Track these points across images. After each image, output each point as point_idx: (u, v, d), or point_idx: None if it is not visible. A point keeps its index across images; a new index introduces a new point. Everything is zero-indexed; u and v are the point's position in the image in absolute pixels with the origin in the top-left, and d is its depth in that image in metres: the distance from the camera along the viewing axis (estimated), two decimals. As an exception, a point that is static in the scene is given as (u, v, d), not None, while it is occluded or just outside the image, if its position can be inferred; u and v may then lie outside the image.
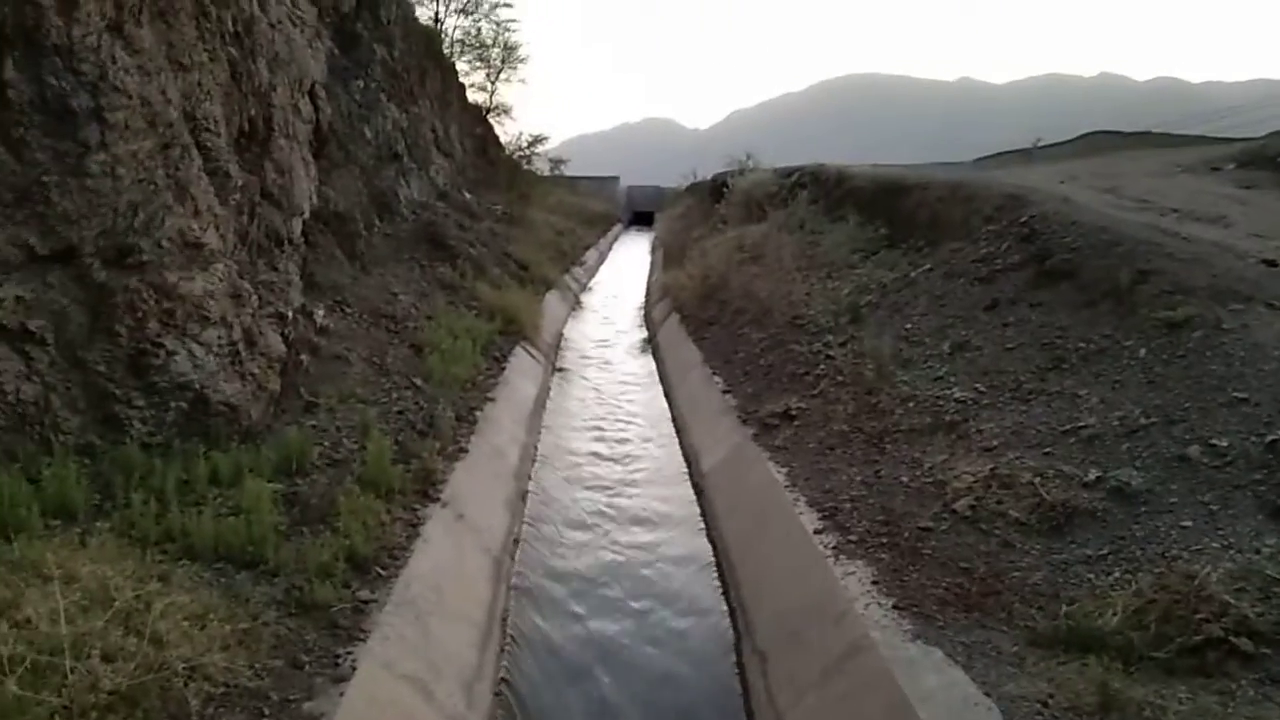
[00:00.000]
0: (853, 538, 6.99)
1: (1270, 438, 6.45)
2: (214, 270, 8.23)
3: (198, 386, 7.62)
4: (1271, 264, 9.90)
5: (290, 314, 9.95)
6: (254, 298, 8.99)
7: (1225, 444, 6.61)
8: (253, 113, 11.09)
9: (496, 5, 33.30)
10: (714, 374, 13.17)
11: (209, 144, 9.35)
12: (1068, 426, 7.66)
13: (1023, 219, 12.11)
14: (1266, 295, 8.66)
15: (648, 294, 25.60)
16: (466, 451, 9.16)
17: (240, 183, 10.02)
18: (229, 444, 7.57)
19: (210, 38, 10.24)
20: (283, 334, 9.55)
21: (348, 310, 11.67)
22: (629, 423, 13.41)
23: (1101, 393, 7.99)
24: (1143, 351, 8.25)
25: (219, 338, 8.00)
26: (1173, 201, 16.09)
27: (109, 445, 6.93)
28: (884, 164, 31.57)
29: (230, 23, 10.88)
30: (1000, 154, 41.60)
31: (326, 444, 8.17)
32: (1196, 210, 14.90)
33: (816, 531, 7.26)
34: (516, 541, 8.55)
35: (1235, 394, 7.11)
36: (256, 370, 8.49)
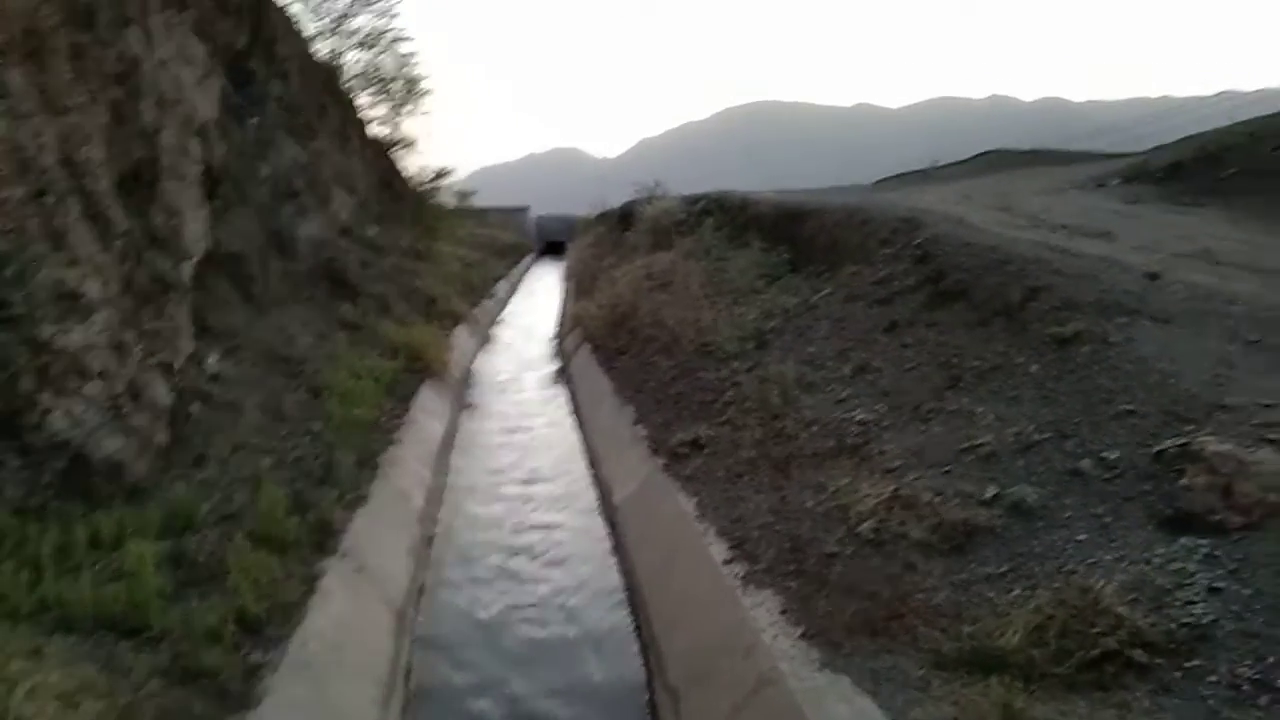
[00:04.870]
0: (761, 567, 6.99)
1: (1157, 448, 6.65)
2: (94, 321, 7.86)
3: (77, 445, 7.24)
4: (1154, 277, 10.30)
5: (179, 362, 9.58)
6: (139, 348, 8.62)
7: (1115, 456, 6.80)
8: (138, 155, 10.72)
9: (396, 40, 32.93)
10: (625, 404, 13.13)
11: (89, 189, 8.98)
12: (965, 445, 7.81)
13: (917, 241, 12.43)
14: (1150, 308, 9.01)
15: (560, 324, 25.49)
16: (367, 498, 8.89)
17: (124, 228, 9.63)
18: (112, 503, 7.19)
19: (90, 79, 9.86)
20: (171, 384, 9.18)
21: (242, 355, 11.28)
22: (541, 456, 13.26)
23: (997, 410, 8.17)
24: (1035, 367, 8.49)
25: (100, 392, 7.63)
26: (1062, 218, 16.70)
27: (-23, 512, 6.52)
28: (787, 189, 32.12)
29: (112, 62, 10.52)
30: (900, 175, 42.70)
31: (217, 498, 7.83)
32: (1084, 226, 15.48)
33: (725, 562, 7.24)
34: (422, 590, 8.32)
35: (1123, 406, 7.33)
36: (142, 424, 8.12)
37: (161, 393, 8.69)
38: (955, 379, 9.08)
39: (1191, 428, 6.68)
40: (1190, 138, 25.43)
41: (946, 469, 7.61)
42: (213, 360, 10.41)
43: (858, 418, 9.19)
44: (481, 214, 49.66)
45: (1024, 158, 37.96)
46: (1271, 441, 6.21)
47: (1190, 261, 11.98)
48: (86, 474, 7.27)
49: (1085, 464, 6.87)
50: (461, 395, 16.43)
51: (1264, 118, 23.14)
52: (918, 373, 9.63)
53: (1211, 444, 6.17)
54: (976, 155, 41.66)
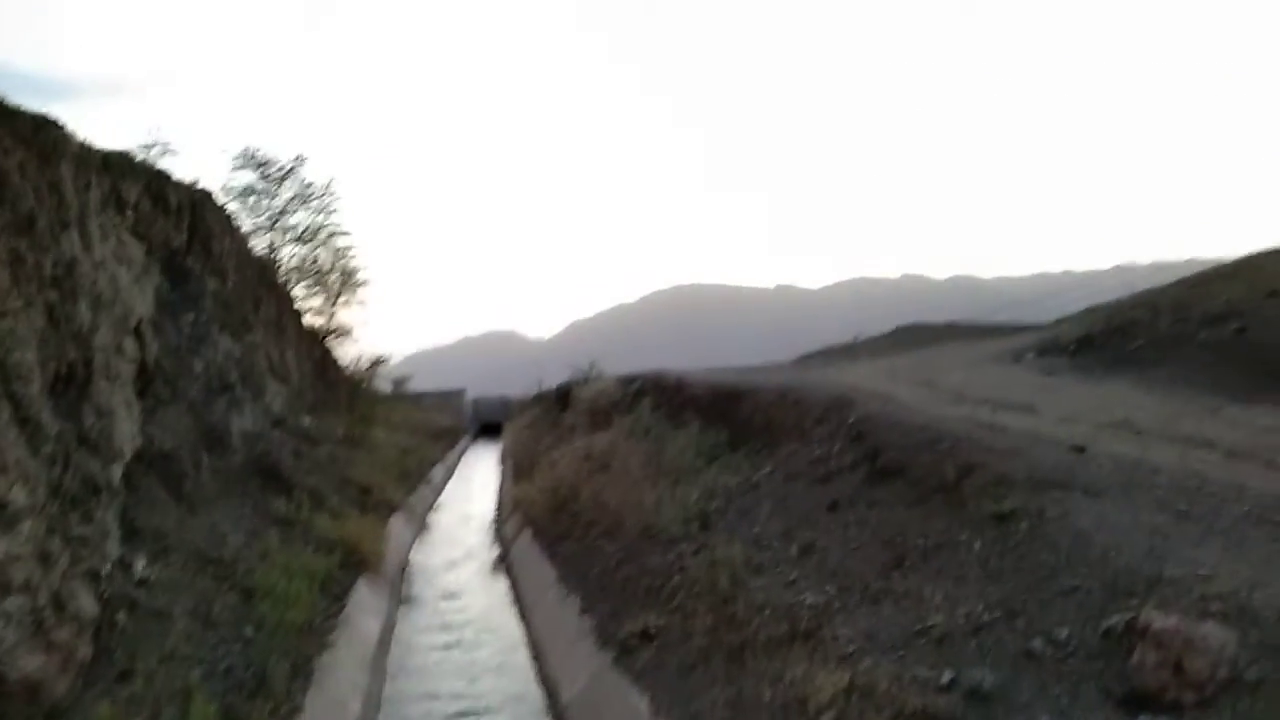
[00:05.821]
0: (722, 768, 6.74)
1: (1105, 625, 6.72)
2: (20, 531, 7.55)
3: (-7, 665, 6.81)
4: (1081, 450, 10.69)
5: (106, 569, 9.18)
6: (65, 555, 8.27)
7: (1065, 635, 6.84)
8: (72, 356, 10.63)
9: (333, 234, 33.76)
10: (570, 593, 12.85)
11: (19, 393, 8.82)
12: (917, 627, 7.79)
13: (851, 419, 12.77)
14: (1081, 482, 9.30)
15: (498, 509, 25.12)
16: (302, 710, 8.44)
17: (54, 431, 9.43)
18: (28, 729, 6.71)
19: (27, 283, 9.88)
20: (97, 592, 8.76)
21: (172, 557, 10.85)
22: (483, 652, 12.78)
23: (945, 589, 8.21)
24: (977, 545, 8.61)
25: (21, 606, 7.24)
26: (984, 392, 17.36)
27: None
28: (717, 366, 32.92)
29: (50, 266, 10.56)
30: (824, 351, 44.08)
31: (144, 716, 7.36)
32: (1007, 400, 16.09)
33: (685, 764, 6.97)
34: (363, 809, 7.81)
35: (1067, 582, 7.43)
36: (65, 637, 7.69)
37: (87, 603, 8.28)
38: (900, 558, 9.14)
39: (1135, 602, 6.79)
40: (1093, 309, 27.02)
41: (901, 653, 7.54)
42: (141, 565, 10.00)
43: (808, 601, 9.11)
44: (417, 398, 49.69)
45: (939, 332, 39.68)
46: (1214, 614, 6.34)
47: (1112, 432, 12.50)
48: (1, 698, 6.80)
49: (1037, 644, 6.89)
50: (398, 589, 15.92)
51: (1159, 290, 24.77)
52: (863, 552, 9.68)
53: (1157, 619, 6.26)
54: (895, 330, 43.43)
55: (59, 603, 7.81)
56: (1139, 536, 7.90)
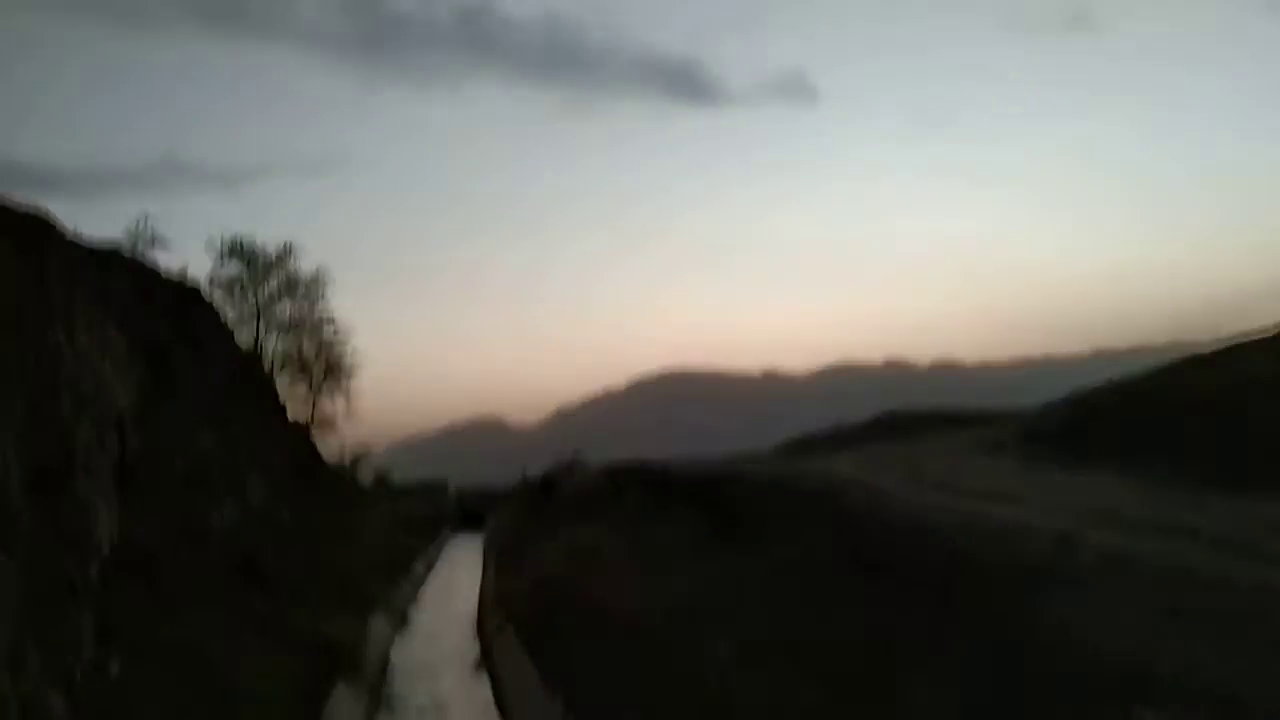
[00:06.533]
0: None
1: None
2: (-10, 635, 7.38)
3: (-45, 781, 6.58)
4: (1065, 540, 10.68)
5: (79, 672, 8.94)
6: (37, 660, 8.06)
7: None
8: (53, 450, 10.52)
9: (319, 323, 33.80)
10: (554, 695, 12.55)
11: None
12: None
13: (837, 512, 12.74)
14: (1065, 574, 9.29)
15: (480, 604, 24.67)
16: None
17: (31, 529, 9.28)
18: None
19: (8, 378, 9.84)
20: (69, 696, 8.51)
21: (148, 658, 10.59)
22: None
23: (932, 686, 8.11)
24: (964, 640, 8.55)
25: (-12, 714, 7.04)
26: (969, 482, 17.37)
27: None
28: (702, 453, 32.94)
29: (33, 361, 10.53)
30: (809, 439, 44.01)
31: (113, 830, 7.09)
32: (992, 490, 16.09)
33: None
34: None
35: (1055, 674, 7.37)
36: (32, 747, 7.45)
37: (58, 708, 8.05)
38: (888, 653, 9.04)
39: (1125, 697, 6.72)
40: (1074, 396, 27.26)
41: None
42: (116, 666, 9.75)
43: (801, 700, 8.95)
44: (399, 491, 49.22)
45: (923, 419, 39.74)
46: (1204, 709, 6.28)
47: (1096, 522, 12.49)
48: (-36, 811, 6.55)
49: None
50: (379, 692, 15.51)
51: (1141, 378, 25.01)
52: (852, 648, 9.56)
53: (1149, 716, 6.20)
54: (879, 416, 43.47)
55: (27, 710, 7.58)
56: (1126, 629, 7.86)
